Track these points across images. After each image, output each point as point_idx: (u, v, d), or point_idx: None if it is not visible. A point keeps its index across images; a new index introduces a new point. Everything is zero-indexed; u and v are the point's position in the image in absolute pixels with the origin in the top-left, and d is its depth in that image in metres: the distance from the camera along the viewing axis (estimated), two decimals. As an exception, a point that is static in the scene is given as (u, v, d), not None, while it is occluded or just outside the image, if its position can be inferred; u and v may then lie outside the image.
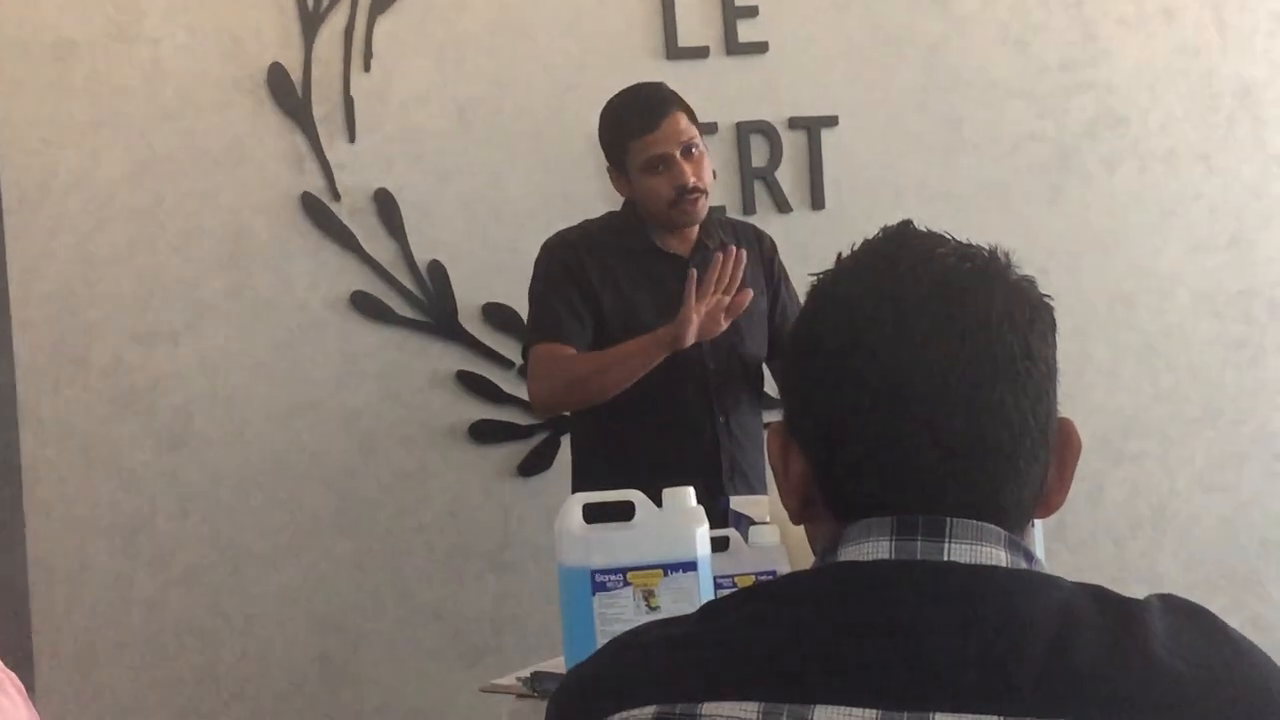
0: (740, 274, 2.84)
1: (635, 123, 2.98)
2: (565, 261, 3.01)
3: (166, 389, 3.56)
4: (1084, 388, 3.68)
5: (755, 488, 3.00)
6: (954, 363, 1.02)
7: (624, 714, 1.00)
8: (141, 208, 3.55)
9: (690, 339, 2.83)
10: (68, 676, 3.47)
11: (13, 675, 1.10)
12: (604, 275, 3.01)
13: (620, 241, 3.05)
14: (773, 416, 3.15)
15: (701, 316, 2.81)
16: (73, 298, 3.53)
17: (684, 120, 2.99)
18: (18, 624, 3.35)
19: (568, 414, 3.20)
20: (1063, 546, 3.66)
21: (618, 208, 3.14)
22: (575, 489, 3.01)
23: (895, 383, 1.02)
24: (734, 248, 2.85)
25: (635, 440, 2.98)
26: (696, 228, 3.06)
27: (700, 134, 3.02)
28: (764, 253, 3.17)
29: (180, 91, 3.55)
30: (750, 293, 2.87)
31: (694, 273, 2.82)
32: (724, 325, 2.85)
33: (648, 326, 2.93)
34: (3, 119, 3.49)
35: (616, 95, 3.06)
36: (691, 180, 2.96)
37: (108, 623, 3.54)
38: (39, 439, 3.50)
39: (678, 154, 2.96)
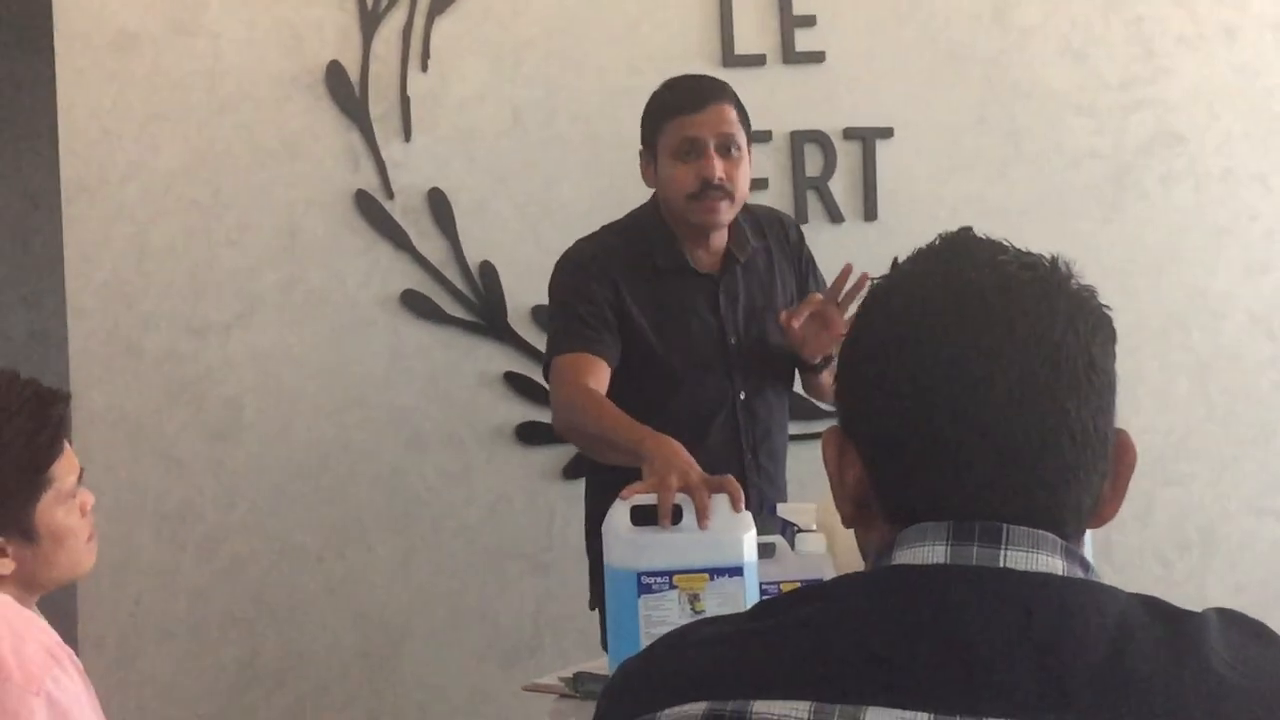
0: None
1: (679, 101, 2.77)
2: (594, 274, 2.80)
3: (217, 380, 3.58)
4: (1135, 407, 3.66)
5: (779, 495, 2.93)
6: (1017, 370, 1.02)
7: (675, 710, 1.01)
8: (198, 200, 3.58)
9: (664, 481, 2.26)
10: (112, 663, 3.50)
11: (71, 653, 1.11)
12: (633, 290, 2.82)
13: (651, 258, 2.85)
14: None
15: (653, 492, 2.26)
16: (128, 287, 3.56)
17: (731, 114, 2.76)
18: (64, 611, 3.38)
19: None
20: (1109, 566, 3.63)
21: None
22: (590, 489, 2.98)
23: (956, 389, 1.02)
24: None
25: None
26: (724, 237, 2.86)
27: (749, 141, 2.81)
28: (791, 243, 3.00)
29: (239, 86, 3.58)
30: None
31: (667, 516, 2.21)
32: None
33: (673, 352, 2.82)
34: (65, 109, 3.53)
35: (670, 78, 2.88)
36: (719, 176, 2.73)
37: (152, 611, 3.57)
38: (91, 427, 3.53)
39: (712, 145, 2.73)
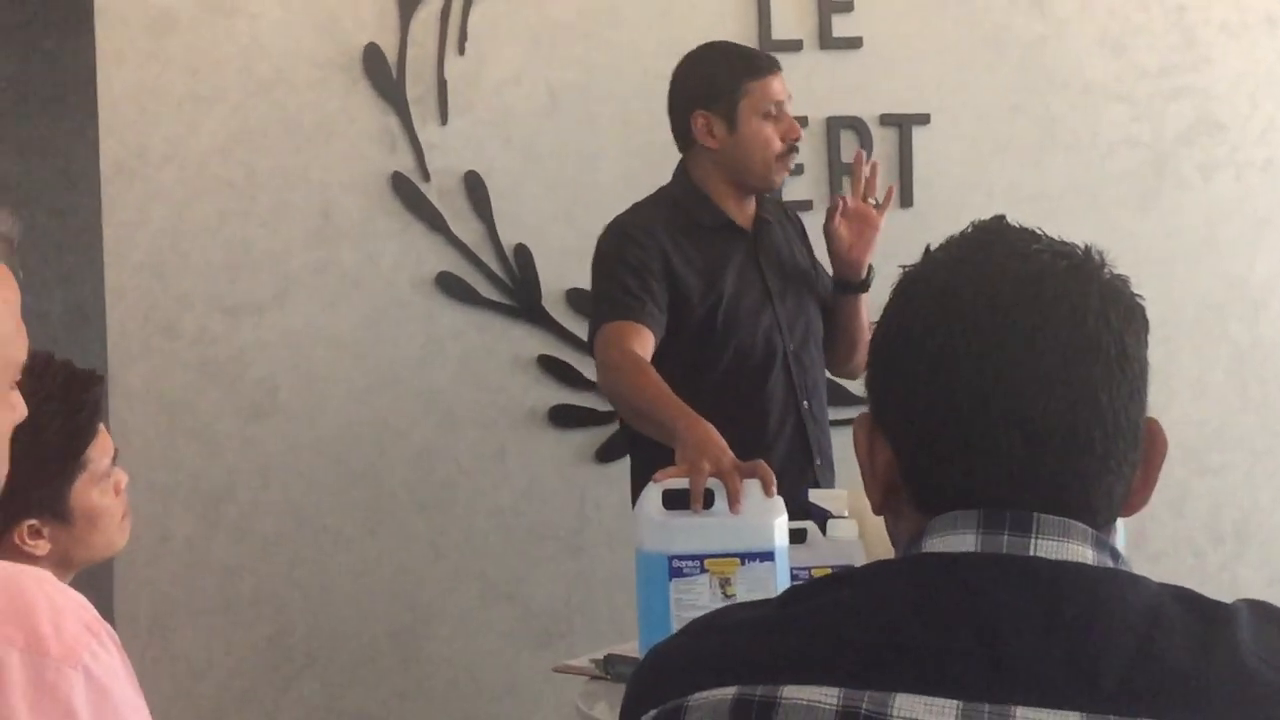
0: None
1: (759, 64, 2.94)
2: (642, 241, 2.86)
3: (252, 361, 3.60)
4: (1170, 397, 3.64)
5: (836, 472, 2.98)
6: (1050, 359, 1.02)
7: (705, 694, 1.01)
8: (234, 181, 3.59)
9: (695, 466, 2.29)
10: (145, 640, 3.52)
11: (109, 628, 1.12)
12: (680, 252, 2.89)
13: (690, 218, 2.93)
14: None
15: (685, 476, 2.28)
16: (164, 267, 3.58)
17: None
18: (99, 587, 3.41)
19: None
20: (1142, 556, 3.62)
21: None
22: (635, 482, 2.98)
23: (989, 376, 1.02)
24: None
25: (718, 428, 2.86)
26: (754, 201, 3.01)
27: None
28: (793, 220, 3.17)
29: (276, 67, 3.59)
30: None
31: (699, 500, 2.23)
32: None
33: (730, 302, 2.88)
34: (104, 90, 3.54)
35: (708, 44, 3.03)
36: (800, 136, 2.95)
37: (186, 589, 3.60)
38: (127, 406, 3.55)
39: (788, 106, 2.94)
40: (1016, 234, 1.09)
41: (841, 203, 3.00)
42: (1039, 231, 1.09)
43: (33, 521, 1.90)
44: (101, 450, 1.98)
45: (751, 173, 2.93)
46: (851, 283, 3.03)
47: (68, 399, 1.92)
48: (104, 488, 1.98)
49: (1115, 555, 1.03)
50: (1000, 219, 1.11)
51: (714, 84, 2.92)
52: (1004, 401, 1.02)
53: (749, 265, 2.95)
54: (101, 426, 1.98)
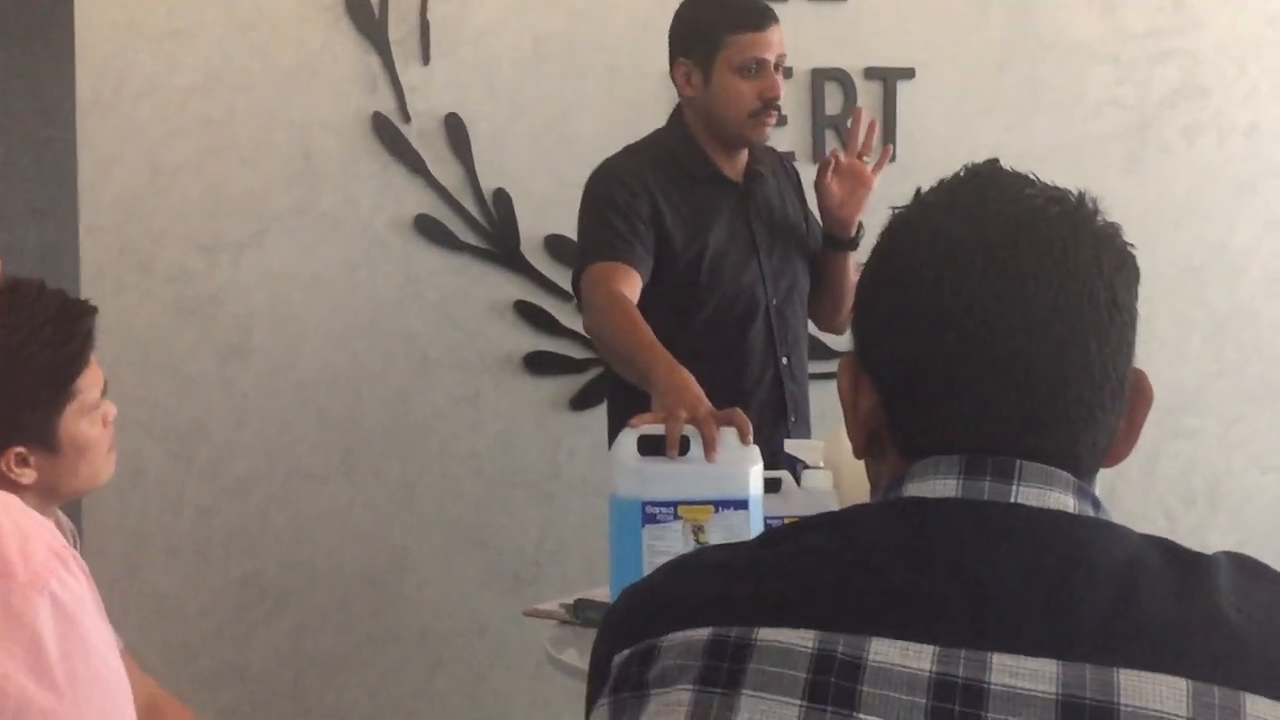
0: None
1: (743, 18, 2.85)
2: (629, 185, 2.84)
3: (228, 300, 3.58)
4: (1147, 359, 3.56)
5: (812, 430, 2.98)
6: (1040, 304, 1.01)
7: (679, 634, 1.00)
8: (213, 118, 3.55)
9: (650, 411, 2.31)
10: (115, 577, 3.51)
11: (76, 555, 1.11)
12: (668, 200, 2.86)
13: (680, 167, 2.91)
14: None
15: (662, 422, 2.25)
16: (140, 204, 3.55)
17: (781, 35, 2.88)
18: (71, 525, 3.39)
19: None
20: (1113, 515, 3.62)
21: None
22: (612, 426, 2.97)
23: (979, 320, 1.01)
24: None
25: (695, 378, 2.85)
26: (746, 151, 2.95)
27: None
28: (790, 173, 3.12)
29: (258, 4, 3.55)
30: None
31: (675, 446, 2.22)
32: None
33: (715, 254, 2.86)
34: (81, 23, 3.50)
35: None
36: (780, 93, 2.87)
37: (158, 527, 3.58)
38: (100, 343, 3.50)
39: (773, 63, 2.85)
40: (1009, 178, 1.08)
41: (834, 159, 2.97)
42: (1032, 177, 1.08)
43: (20, 449, 1.89)
44: (92, 381, 1.96)
45: (724, 127, 2.89)
46: (841, 240, 3.00)
47: (60, 328, 1.91)
48: (92, 419, 1.97)
49: (1097, 504, 1.03)
50: (993, 162, 1.10)
51: (696, 33, 2.88)
52: (992, 346, 1.01)
53: (737, 218, 2.93)
54: (92, 357, 1.97)
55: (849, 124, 3.06)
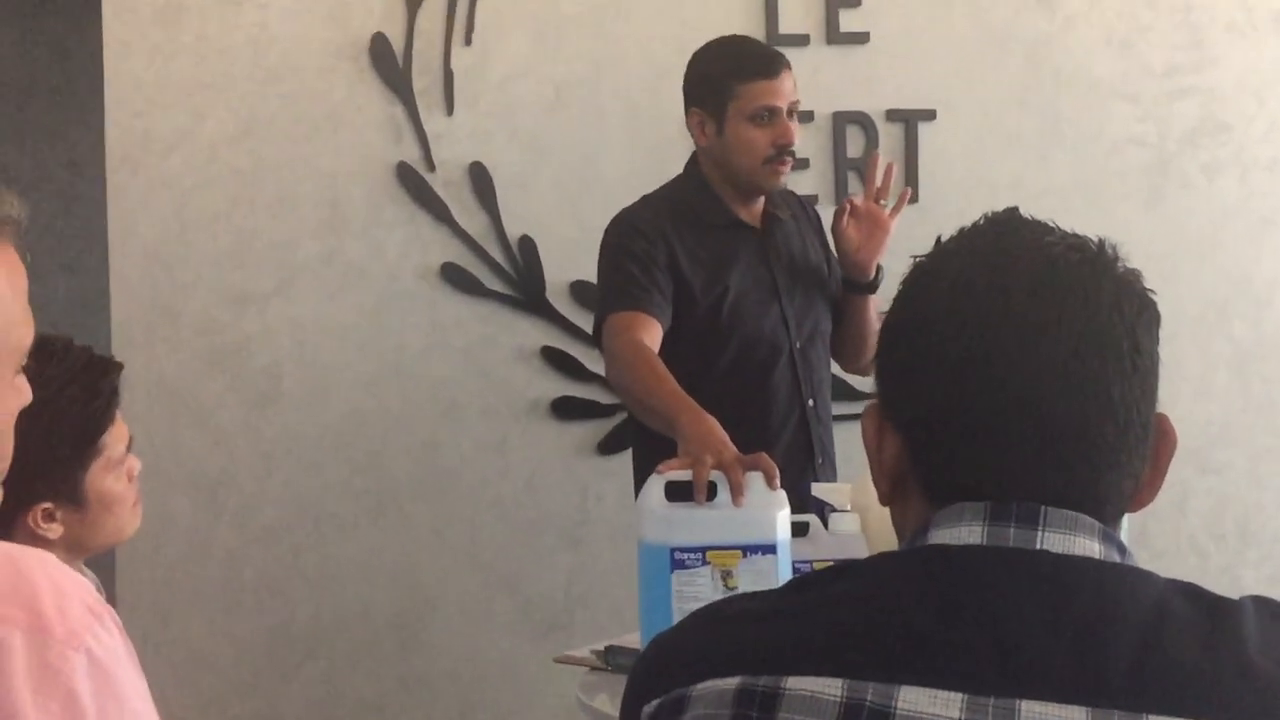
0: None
1: (754, 66, 2.85)
2: (647, 234, 2.85)
3: (256, 349, 3.60)
4: (1174, 396, 3.59)
5: (838, 472, 2.98)
6: (1062, 351, 1.01)
7: (708, 684, 1.01)
8: (241, 170, 3.59)
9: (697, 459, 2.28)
10: (146, 626, 3.53)
11: (112, 611, 1.12)
12: (685, 249, 2.87)
13: (697, 215, 2.92)
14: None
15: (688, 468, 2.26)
16: (169, 255, 3.58)
17: (793, 82, 2.89)
18: (101, 574, 3.41)
19: None
20: (1144, 554, 3.57)
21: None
22: (638, 472, 2.98)
23: (1001, 368, 1.02)
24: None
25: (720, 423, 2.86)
26: (763, 198, 2.96)
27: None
28: (810, 217, 3.12)
29: (284, 56, 3.59)
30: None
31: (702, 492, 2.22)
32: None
33: (735, 300, 2.87)
34: (111, 78, 3.54)
35: (722, 38, 2.96)
36: (793, 140, 2.87)
37: (187, 575, 3.60)
38: (130, 392, 3.53)
39: (785, 110, 2.85)
40: (1029, 226, 1.09)
41: (849, 205, 2.98)
42: (1052, 224, 1.09)
43: (47, 505, 1.90)
44: (117, 437, 1.98)
45: (738, 175, 2.90)
46: (859, 283, 3.01)
47: (86, 384, 1.93)
48: (118, 474, 1.98)
49: (1122, 550, 1.03)
50: (1013, 211, 1.11)
51: (707, 83, 2.90)
52: (1015, 394, 1.01)
53: (757, 262, 2.93)
54: (118, 413, 1.99)
55: (865, 168, 3.07)
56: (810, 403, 2.95)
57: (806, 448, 2.94)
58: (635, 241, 2.85)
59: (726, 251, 2.91)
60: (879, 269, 3.00)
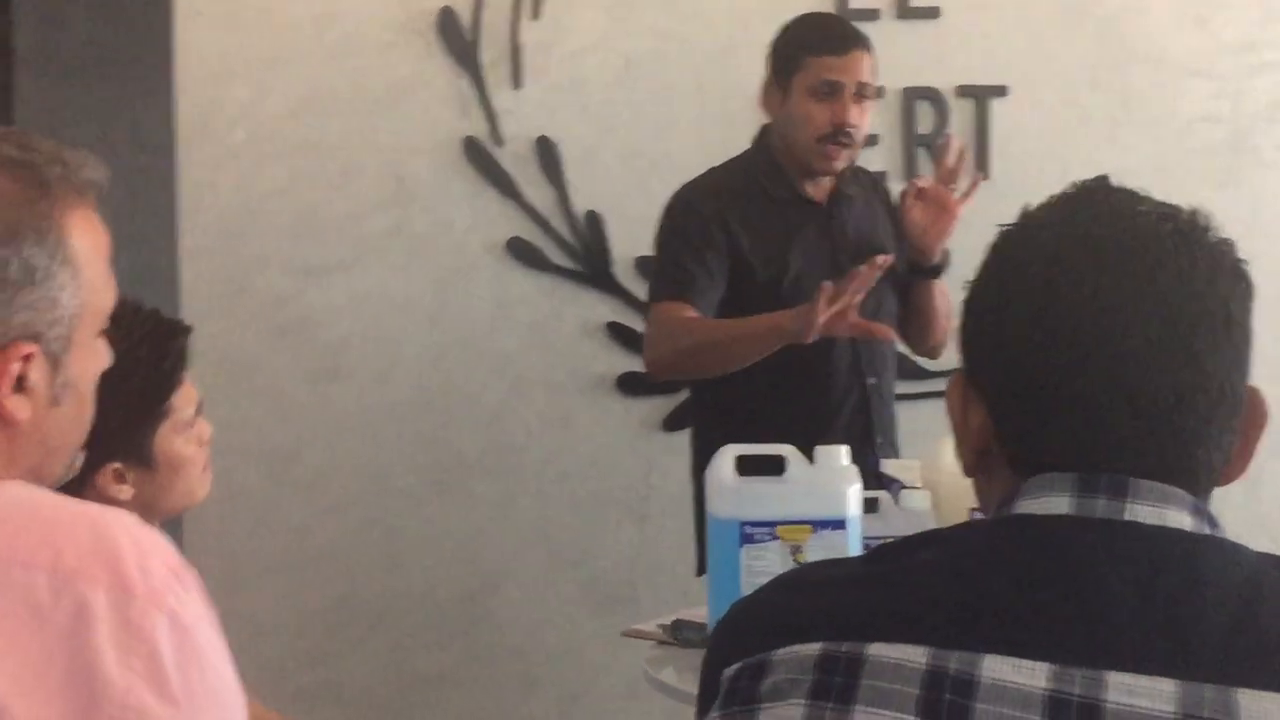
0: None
1: (826, 40, 2.83)
2: (704, 213, 2.85)
3: (322, 322, 3.62)
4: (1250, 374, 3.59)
5: (900, 452, 2.96)
6: (1155, 322, 1.00)
7: (789, 649, 1.00)
8: (306, 143, 3.60)
9: (812, 337, 2.60)
10: (214, 597, 3.53)
11: (195, 574, 1.13)
12: (745, 224, 2.86)
13: (761, 188, 2.90)
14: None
15: (829, 318, 2.58)
16: (236, 229, 3.60)
17: (868, 63, 2.84)
18: (172, 544, 3.44)
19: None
20: (1213, 537, 3.57)
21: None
22: (697, 451, 2.98)
23: (1093, 338, 1.00)
24: (877, 259, 2.63)
25: (776, 403, 2.83)
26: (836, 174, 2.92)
27: (874, 89, 2.89)
28: (880, 192, 3.08)
29: (350, 30, 3.59)
30: (887, 330, 2.77)
31: (826, 285, 2.56)
32: (850, 331, 2.68)
33: (795, 277, 2.84)
34: (181, 50, 3.56)
35: (810, 13, 2.98)
36: (852, 121, 2.81)
37: (255, 547, 3.63)
38: (197, 366, 3.54)
39: (850, 90, 2.81)
40: (1120, 195, 1.07)
41: (914, 187, 2.93)
42: (1143, 193, 1.07)
43: (117, 465, 1.92)
44: (186, 399, 2.00)
45: (794, 151, 2.87)
46: (924, 267, 2.96)
47: (155, 345, 1.94)
48: (187, 437, 2.00)
49: (1214, 523, 1.01)
50: (1103, 179, 1.09)
51: (782, 54, 2.89)
52: (1107, 365, 1.00)
53: (820, 239, 2.90)
54: (186, 376, 2.00)
55: (934, 149, 3.03)
56: (872, 381, 2.93)
57: (865, 427, 2.91)
58: (690, 222, 2.87)
59: (788, 227, 2.88)
60: (946, 253, 2.96)
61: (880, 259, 2.62)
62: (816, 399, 2.86)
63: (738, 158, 3.00)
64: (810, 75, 2.81)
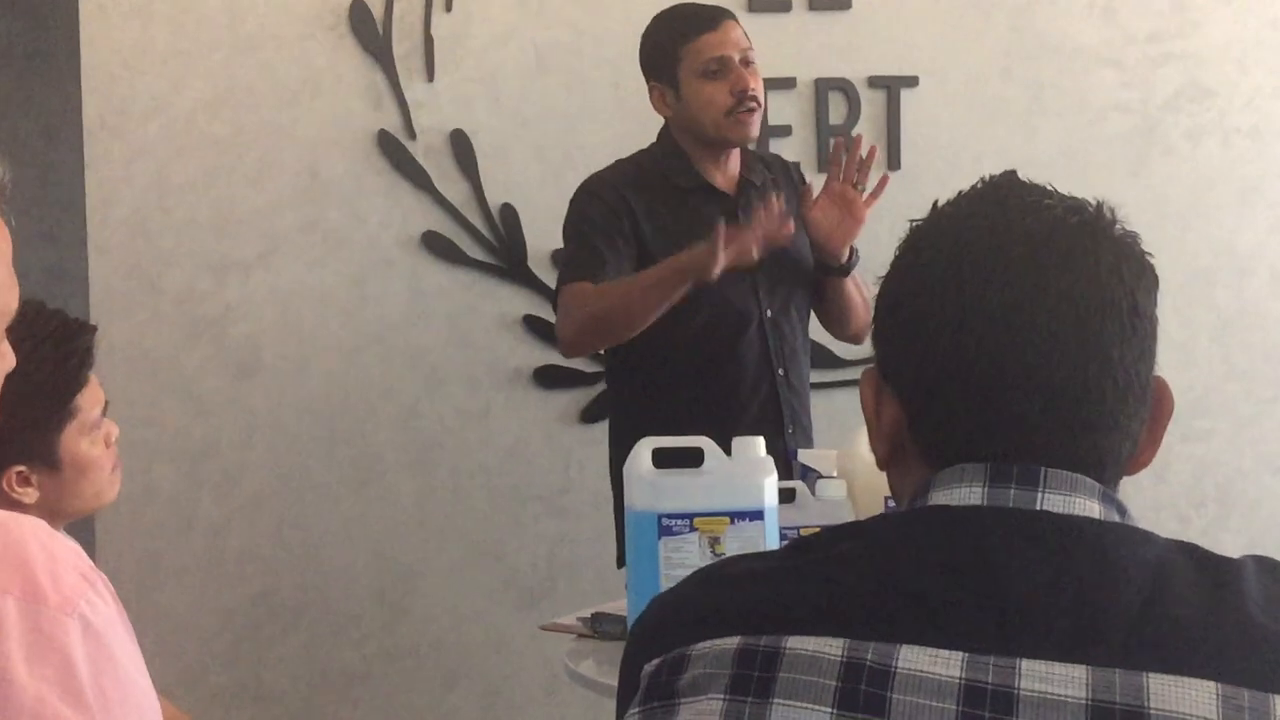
0: (780, 221, 2.70)
1: (693, 24, 2.85)
2: (609, 201, 2.87)
3: (237, 318, 3.58)
4: (1156, 363, 3.64)
5: (814, 441, 2.97)
6: (1062, 313, 1.01)
7: (708, 644, 1.01)
8: (219, 138, 3.57)
9: (716, 271, 2.62)
10: (128, 597, 3.46)
11: (104, 578, 1.11)
12: (650, 214, 2.87)
13: (666, 179, 2.91)
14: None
15: (731, 250, 2.62)
16: (148, 224, 3.56)
17: (741, 31, 2.87)
18: (82, 544, 3.39)
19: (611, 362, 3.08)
20: (1124, 520, 3.62)
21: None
22: (614, 443, 2.99)
23: (999, 331, 1.01)
24: (773, 199, 2.70)
25: (688, 394, 2.85)
26: (738, 164, 2.93)
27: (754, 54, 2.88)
28: (796, 183, 3.05)
29: (262, 23, 3.56)
30: (791, 226, 2.73)
31: (720, 225, 2.63)
32: (755, 255, 2.68)
33: None
34: (87, 45, 3.51)
35: (664, 9, 2.96)
36: (751, 87, 2.82)
37: (170, 546, 3.59)
38: (110, 363, 3.51)
39: (737, 59, 2.83)
40: (1027, 189, 1.09)
41: (810, 194, 2.89)
42: (1049, 188, 1.09)
43: (21, 468, 1.89)
44: (92, 400, 1.97)
45: (705, 134, 2.88)
46: (831, 267, 2.94)
47: (59, 345, 1.92)
48: (94, 438, 1.97)
49: (1122, 510, 1.03)
50: (1011, 174, 1.10)
51: (657, 54, 2.91)
52: (1016, 356, 1.01)
53: (728, 229, 2.91)
54: (92, 376, 1.97)
55: (833, 149, 2.95)
56: (781, 371, 2.94)
57: (776, 417, 2.92)
58: (595, 207, 2.88)
59: (693, 218, 2.87)
60: (854, 251, 2.93)
61: (776, 203, 2.69)
62: (727, 389, 2.87)
63: (641, 151, 3.00)
64: (694, 60, 2.84)
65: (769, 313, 2.93)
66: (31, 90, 3.48)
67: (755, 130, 2.89)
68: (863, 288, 2.94)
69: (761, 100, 2.88)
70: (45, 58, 3.50)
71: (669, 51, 2.87)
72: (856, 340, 3.10)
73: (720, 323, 2.87)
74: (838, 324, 3.06)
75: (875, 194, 2.88)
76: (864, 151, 2.89)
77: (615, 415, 3.06)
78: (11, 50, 3.46)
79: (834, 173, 2.89)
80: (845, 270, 2.93)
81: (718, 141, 2.89)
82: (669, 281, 2.70)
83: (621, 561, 2.67)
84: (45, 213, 3.48)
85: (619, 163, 2.99)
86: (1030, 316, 1.01)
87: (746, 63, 2.85)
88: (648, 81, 2.94)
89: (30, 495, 1.90)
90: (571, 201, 2.95)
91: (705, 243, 2.67)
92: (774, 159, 3.12)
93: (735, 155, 2.96)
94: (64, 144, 3.51)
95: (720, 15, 2.88)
